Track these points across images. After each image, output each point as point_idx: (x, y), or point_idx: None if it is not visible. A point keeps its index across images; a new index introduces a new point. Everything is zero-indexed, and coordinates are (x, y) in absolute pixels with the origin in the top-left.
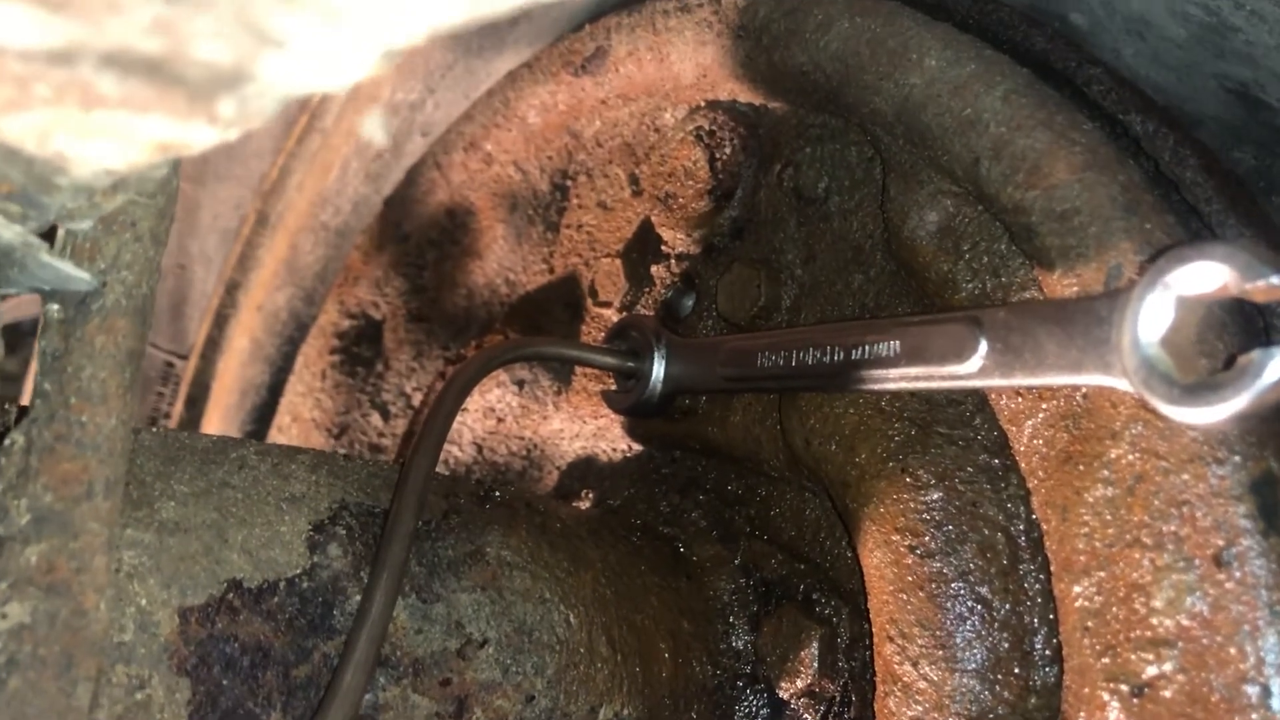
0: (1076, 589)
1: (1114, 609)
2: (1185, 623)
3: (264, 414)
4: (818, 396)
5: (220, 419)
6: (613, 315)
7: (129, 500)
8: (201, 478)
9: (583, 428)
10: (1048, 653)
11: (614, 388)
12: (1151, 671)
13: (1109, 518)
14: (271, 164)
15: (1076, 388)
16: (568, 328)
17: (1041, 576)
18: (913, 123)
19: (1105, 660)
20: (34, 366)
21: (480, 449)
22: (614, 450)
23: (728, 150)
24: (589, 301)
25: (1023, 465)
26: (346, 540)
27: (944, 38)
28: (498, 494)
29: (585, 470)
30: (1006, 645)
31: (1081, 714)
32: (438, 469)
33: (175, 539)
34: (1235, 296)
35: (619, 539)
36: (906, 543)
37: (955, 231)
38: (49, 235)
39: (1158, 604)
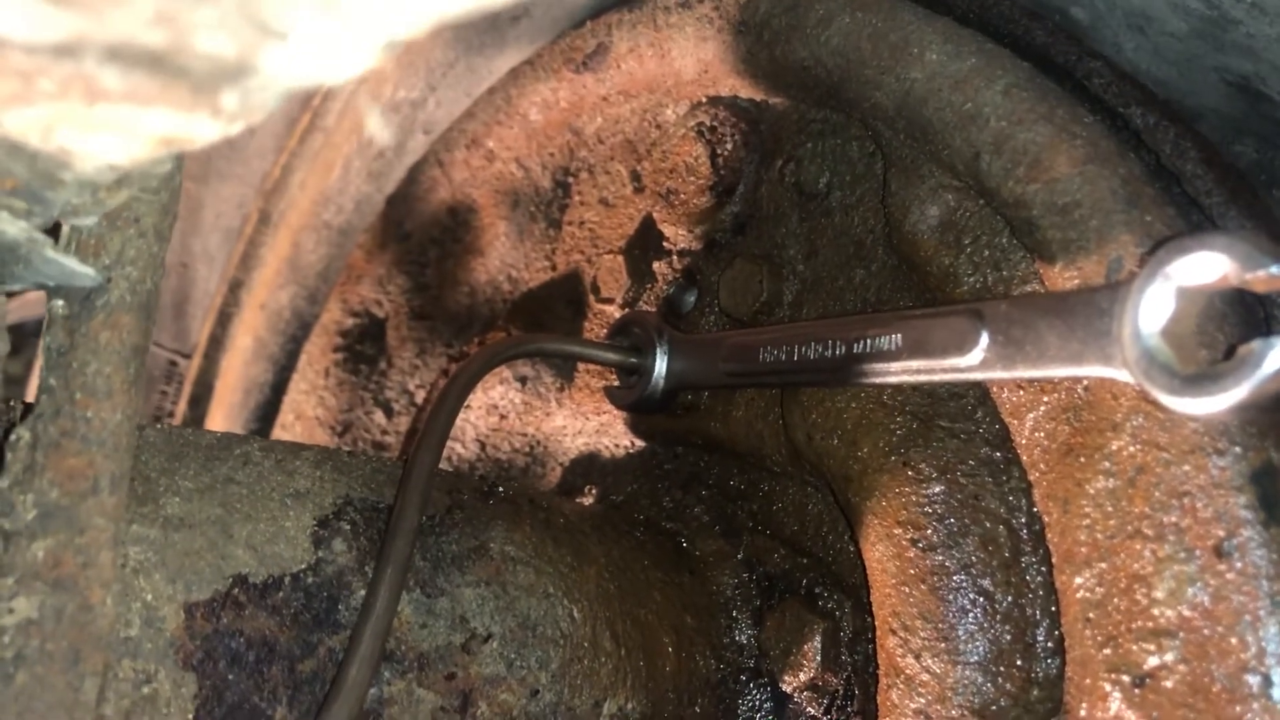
0: (1078, 580)
1: (1115, 600)
2: (1186, 613)
3: (268, 412)
4: (820, 391)
5: (224, 417)
6: (615, 311)
7: (134, 496)
8: (206, 473)
9: (585, 424)
10: (1050, 644)
11: (616, 384)
12: (1153, 662)
13: (1110, 509)
14: (274, 163)
15: (1078, 380)
16: (570, 324)
17: (1043, 569)
18: (914, 117)
19: (1107, 651)
20: (39, 364)
21: (483, 446)
22: (617, 446)
23: (729, 146)
24: (591, 298)
25: (1024, 458)
26: (351, 535)
27: (945, 32)
28: (501, 490)
29: (588, 466)
30: (1009, 637)
31: (1084, 705)
32: (441, 466)
33: (180, 534)
34: (1236, 287)
35: (622, 534)
36: (909, 536)
37: (956, 225)
38: (54, 231)
39: (1159, 595)
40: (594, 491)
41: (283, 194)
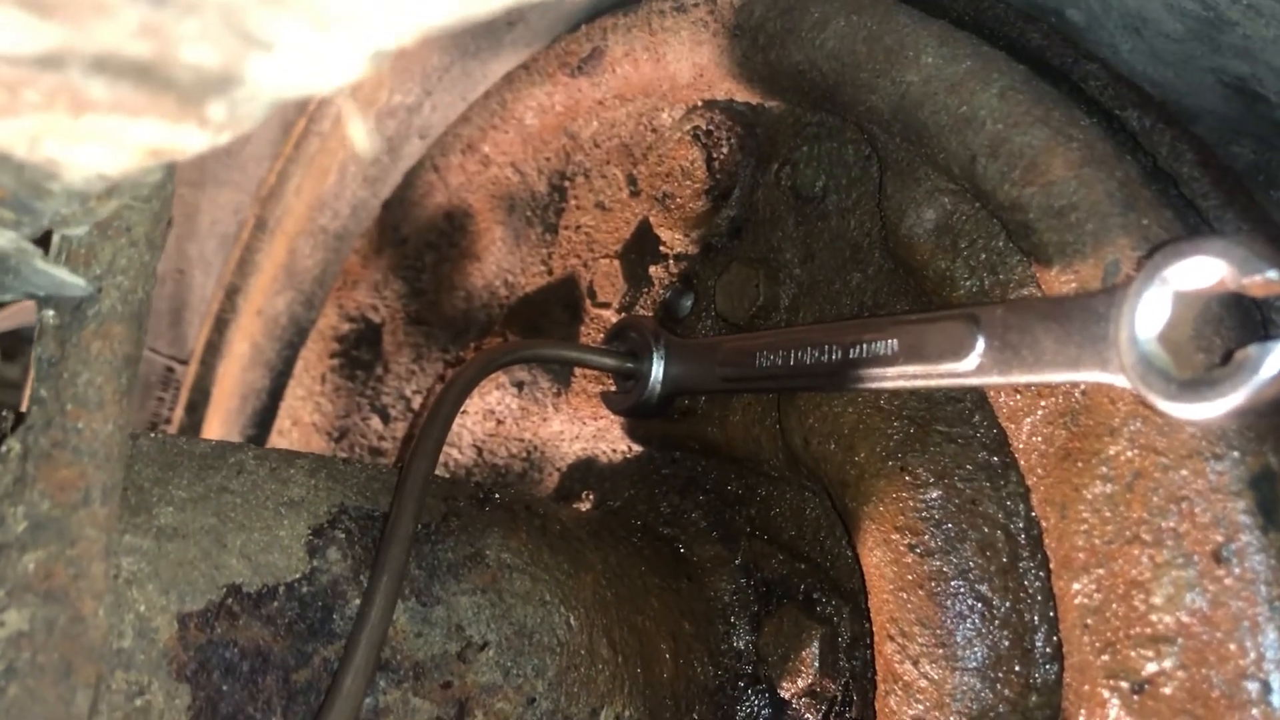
0: (1076, 586)
1: (1114, 606)
2: (1185, 619)
3: (264, 418)
4: (817, 396)
5: (221, 424)
6: (611, 316)
7: (127, 506)
8: (200, 483)
9: (582, 429)
10: (1048, 650)
11: (613, 389)
12: (1151, 668)
13: (1108, 514)
14: (269, 168)
15: (1075, 384)
16: (567, 329)
17: (1041, 574)
18: (909, 120)
19: (1105, 657)
20: (30, 375)
21: (480, 451)
22: (614, 451)
23: (725, 150)
24: (588, 302)
25: (1022, 462)
26: (346, 544)
27: (940, 35)
28: (497, 496)
29: (585, 472)
30: (1007, 643)
31: (1082, 711)
32: (438, 472)
33: (174, 544)
34: (1232, 291)
35: (619, 540)
36: (906, 541)
37: (953, 229)
38: (44, 241)
39: (1157, 600)
40: (591, 497)
41: (279, 199)
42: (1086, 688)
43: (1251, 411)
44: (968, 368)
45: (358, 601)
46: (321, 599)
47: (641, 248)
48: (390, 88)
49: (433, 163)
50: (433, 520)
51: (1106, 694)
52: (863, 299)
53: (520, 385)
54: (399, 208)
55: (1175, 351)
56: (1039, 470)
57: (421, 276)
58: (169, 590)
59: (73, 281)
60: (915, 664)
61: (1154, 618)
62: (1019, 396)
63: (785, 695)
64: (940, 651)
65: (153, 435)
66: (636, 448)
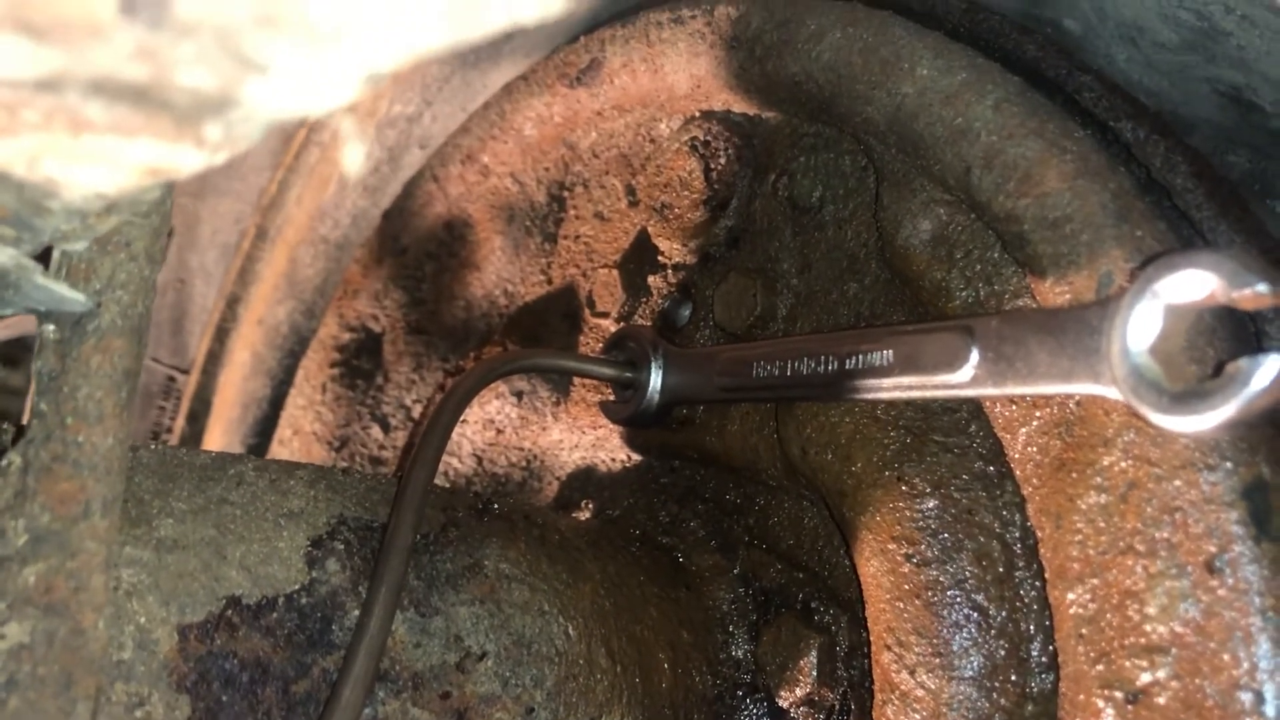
0: (1071, 596)
1: (1108, 616)
2: (1179, 629)
3: (265, 427)
4: (814, 406)
5: (222, 433)
6: (610, 326)
7: (127, 518)
8: (199, 494)
9: (582, 438)
10: (1044, 660)
11: (612, 398)
12: (1146, 678)
13: (1102, 525)
14: (270, 178)
15: (1069, 396)
16: (566, 338)
17: (1037, 584)
18: (905, 132)
19: (1100, 667)
20: (31, 389)
21: (480, 460)
22: (613, 461)
23: (722, 160)
24: (587, 312)
25: (1017, 473)
26: (345, 555)
27: (935, 47)
28: (496, 506)
29: (585, 481)
30: (1003, 652)
31: None
32: (437, 481)
33: (173, 556)
34: (1223, 304)
35: (618, 550)
36: (903, 551)
37: (948, 240)
38: (44, 257)
39: (1151, 610)
40: (590, 506)
41: (280, 209)
42: (1081, 697)
43: (1243, 423)
44: (962, 379)
45: (357, 612)
46: (320, 610)
47: (640, 257)
48: (390, 98)
49: (433, 173)
50: (431, 531)
51: (1101, 704)
52: (859, 309)
53: (520, 395)
54: (399, 217)
55: (1167, 364)
56: (1034, 480)
57: (422, 286)
58: (169, 602)
59: (73, 296)
60: (912, 673)
61: (1148, 628)
62: (1014, 407)
63: (783, 704)
64: (937, 661)
65: (153, 447)
66: (635, 457)
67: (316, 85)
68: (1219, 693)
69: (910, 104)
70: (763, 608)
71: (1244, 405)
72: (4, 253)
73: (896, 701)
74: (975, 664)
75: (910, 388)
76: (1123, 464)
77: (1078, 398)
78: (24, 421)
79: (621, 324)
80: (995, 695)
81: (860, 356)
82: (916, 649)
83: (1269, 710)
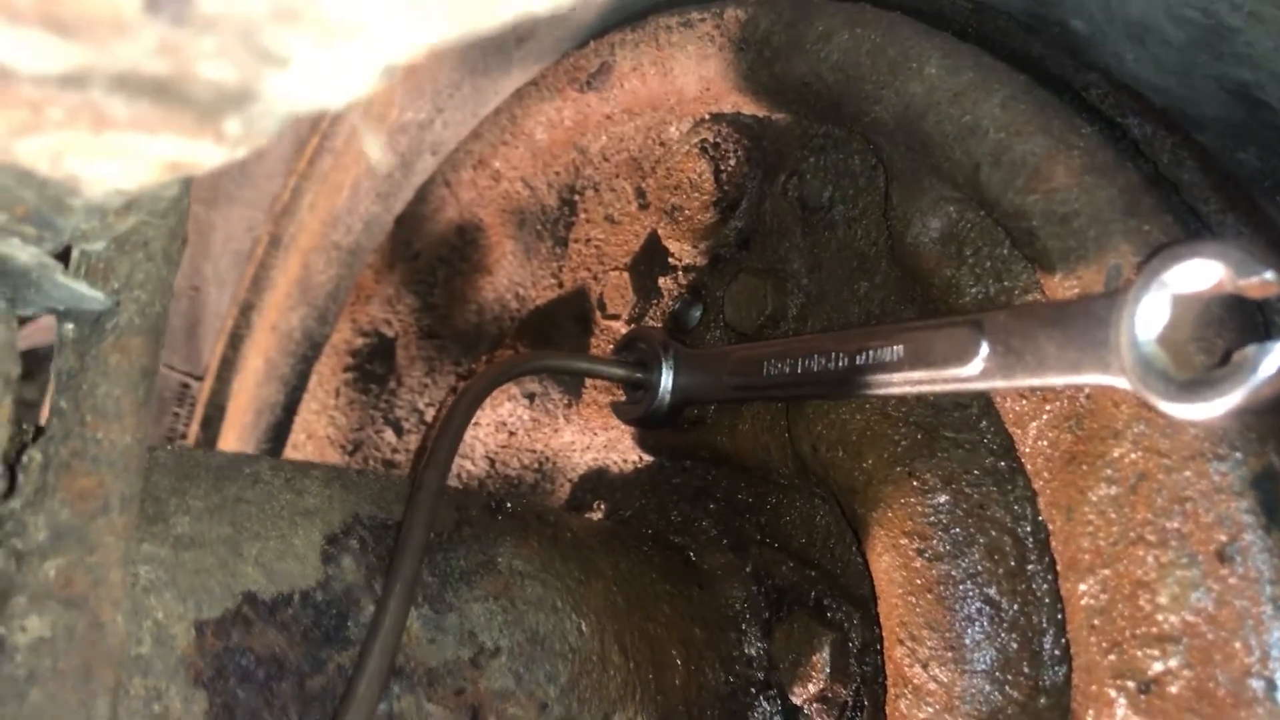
0: (1082, 587)
1: (1119, 606)
2: (1190, 618)
3: (279, 433)
4: (824, 403)
5: (236, 438)
6: (621, 328)
7: (145, 516)
8: (216, 493)
9: (594, 440)
10: (1057, 652)
11: (623, 399)
12: (1158, 668)
13: (1113, 516)
14: (283, 185)
15: (1080, 389)
16: (578, 341)
17: (1049, 577)
18: (914, 130)
19: (1112, 657)
20: (50, 387)
21: (493, 463)
22: (625, 461)
23: (732, 162)
24: (598, 314)
25: (1028, 467)
26: (359, 552)
27: (943, 46)
28: (509, 505)
29: (597, 482)
30: (1015, 646)
31: (1090, 712)
32: (452, 484)
33: (190, 553)
34: (1230, 293)
35: (630, 549)
36: (914, 546)
37: (958, 237)
38: (63, 257)
39: (1162, 600)
40: (603, 507)
41: (292, 216)
42: (1094, 688)
43: (1251, 411)
44: (972, 372)
45: (371, 609)
46: (336, 606)
47: (651, 260)
48: (402, 105)
49: (444, 178)
50: (445, 529)
51: (1114, 694)
52: (870, 307)
53: (532, 397)
54: (411, 223)
55: (1175, 353)
56: (1045, 474)
57: (434, 290)
58: (186, 598)
59: (92, 295)
60: (925, 667)
61: (1159, 617)
62: (1025, 402)
63: (797, 701)
64: (949, 655)
65: (170, 447)
66: (647, 458)
67: (333, 78)
68: (1231, 681)
69: (918, 103)
70: (775, 605)
71: (1251, 392)
72: (26, 251)
73: (910, 696)
74: (988, 657)
75: (920, 382)
76: (1132, 455)
77: (1087, 391)
78: (41, 422)
79: (633, 325)
80: (1008, 688)
81: (870, 352)
82: (929, 643)
83: None
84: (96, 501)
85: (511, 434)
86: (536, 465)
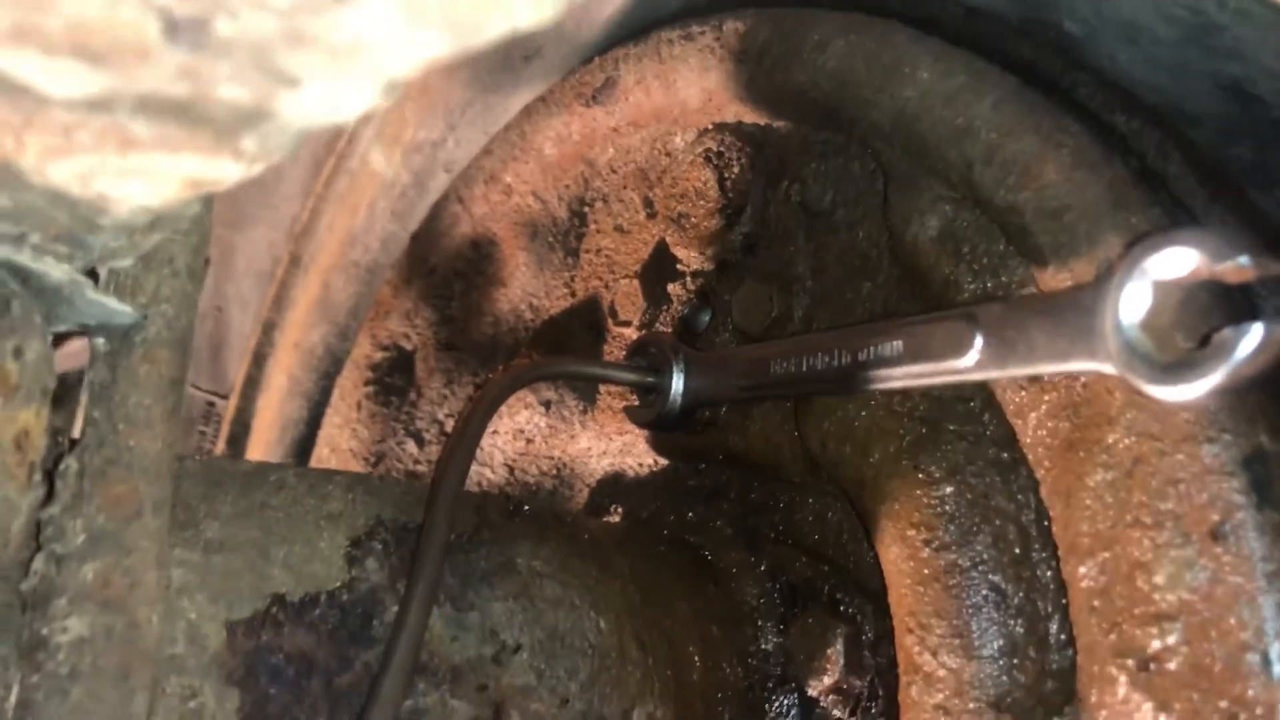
0: (1082, 570)
1: (1118, 587)
2: (1186, 596)
3: (304, 447)
4: (831, 401)
5: (261, 454)
6: (633, 334)
7: (176, 521)
8: (243, 499)
9: (609, 445)
10: (1062, 637)
11: (636, 403)
12: (1156, 645)
13: (1110, 500)
14: (302, 206)
15: (1076, 378)
16: (591, 348)
17: (1053, 563)
18: (909, 133)
19: (1112, 637)
20: (83, 399)
21: (512, 470)
22: (641, 465)
23: (736, 170)
24: (610, 322)
25: (1029, 456)
26: (383, 554)
27: (935, 51)
28: (526, 508)
29: (614, 486)
30: (1022, 631)
31: (1094, 691)
32: (472, 490)
33: (220, 557)
34: (1209, 278)
35: (646, 548)
36: (921, 537)
37: (955, 235)
38: (92, 274)
39: (1159, 580)
40: (620, 510)
41: (312, 236)
42: (1096, 668)
43: (1232, 390)
44: (968, 364)
45: (395, 608)
46: (361, 606)
47: (660, 267)
48: (416, 124)
49: (458, 195)
50: (465, 531)
51: (1115, 672)
52: (874, 306)
53: (548, 404)
54: (427, 239)
55: (1158, 337)
56: (1045, 462)
57: (450, 304)
58: (217, 599)
59: (121, 309)
60: (934, 654)
61: (1157, 596)
62: (1024, 393)
63: (813, 693)
64: (958, 641)
65: (198, 458)
66: (662, 461)
67: (341, 95)
68: (1227, 656)
69: (913, 107)
70: (790, 601)
71: (1230, 372)
72: (59, 269)
73: (920, 682)
74: (995, 643)
75: (920, 375)
76: (1127, 441)
77: (1084, 380)
78: (75, 435)
79: (643, 331)
80: (1015, 673)
81: (872, 349)
82: (938, 631)
83: (1275, 671)
84: (131, 506)
85: (529, 441)
86: (554, 471)
